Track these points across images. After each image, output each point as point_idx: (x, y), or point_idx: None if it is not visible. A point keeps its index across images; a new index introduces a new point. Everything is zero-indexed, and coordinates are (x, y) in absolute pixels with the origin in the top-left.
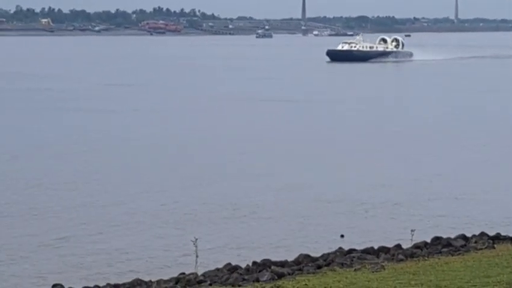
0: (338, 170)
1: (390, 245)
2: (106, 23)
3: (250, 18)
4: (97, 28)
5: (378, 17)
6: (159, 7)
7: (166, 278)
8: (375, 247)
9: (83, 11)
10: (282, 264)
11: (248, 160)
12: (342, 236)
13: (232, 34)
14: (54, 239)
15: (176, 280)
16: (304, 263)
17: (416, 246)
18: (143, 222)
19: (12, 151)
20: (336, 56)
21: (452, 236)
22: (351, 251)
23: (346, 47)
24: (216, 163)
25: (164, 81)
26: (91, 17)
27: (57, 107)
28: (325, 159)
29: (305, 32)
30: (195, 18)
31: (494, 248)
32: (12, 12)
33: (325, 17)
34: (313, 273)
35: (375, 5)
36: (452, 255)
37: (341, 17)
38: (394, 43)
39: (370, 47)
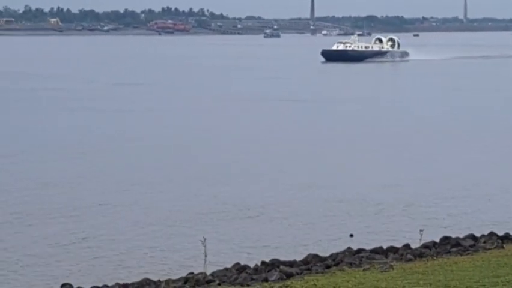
0: (346, 170)
1: (399, 244)
2: (114, 22)
3: (259, 18)
4: (105, 28)
5: (387, 16)
6: (168, 7)
7: (174, 277)
8: (384, 247)
9: (92, 11)
10: (291, 264)
11: (256, 159)
12: (351, 235)
13: (241, 34)
14: (62, 238)
15: (185, 280)
16: (313, 263)
17: (425, 246)
18: (152, 222)
19: (15, 150)
20: (330, 56)
21: (461, 236)
22: (359, 250)
23: (341, 47)
24: (224, 163)
25: (172, 80)
26: (99, 17)
27: (61, 107)
28: (333, 159)
29: (314, 32)
30: (204, 18)
31: (503, 247)
32: (21, 12)
33: (334, 16)
34: (322, 273)
35: (384, 4)
36: (461, 255)
37: (350, 17)
38: (390, 43)
39: (365, 47)
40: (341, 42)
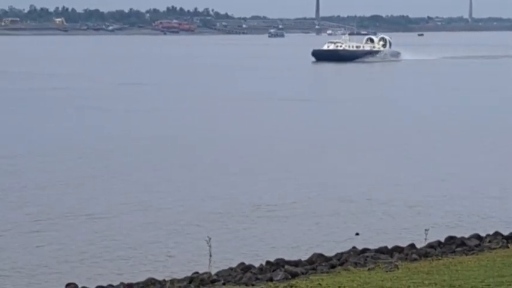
0: (351, 169)
1: (404, 244)
2: (119, 22)
3: (264, 17)
4: (110, 27)
5: (392, 16)
6: (173, 6)
7: (179, 277)
8: (389, 246)
9: (97, 11)
10: (296, 263)
11: (261, 159)
12: (357, 234)
13: (246, 33)
14: (67, 238)
15: (190, 279)
16: (318, 263)
17: (430, 246)
18: (156, 221)
19: (18, 151)
20: (321, 56)
21: (466, 236)
22: (364, 250)
23: (332, 47)
24: (228, 162)
25: (177, 80)
26: (104, 17)
27: (65, 106)
28: (338, 159)
29: (319, 32)
30: (209, 18)
31: (508, 247)
32: (26, 11)
33: (339, 16)
34: (327, 272)
35: (389, 4)
36: (466, 254)
37: (355, 16)
38: (381, 42)
39: (356, 47)
40: (331, 42)
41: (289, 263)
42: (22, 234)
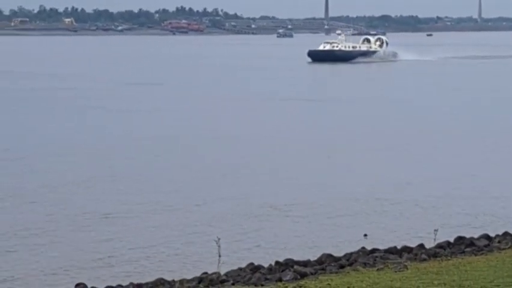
0: (360, 169)
1: (413, 244)
2: (128, 22)
3: (273, 17)
4: (119, 28)
5: (401, 16)
6: (182, 7)
7: (188, 277)
8: (398, 247)
9: (106, 11)
10: (305, 263)
11: (269, 159)
12: (365, 235)
13: (255, 34)
14: (76, 238)
15: (199, 280)
16: (327, 263)
17: (439, 246)
18: (165, 222)
19: (22, 151)
20: (317, 57)
21: (476, 236)
22: (374, 250)
23: (328, 47)
24: (236, 162)
25: (185, 80)
26: (113, 17)
27: (71, 106)
28: (346, 158)
29: (328, 32)
30: (218, 18)
31: None
32: (35, 12)
33: (348, 16)
34: (336, 272)
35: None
36: (476, 255)
37: (364, 17)
38: (378, 43)
39: (353, 47)
40: (328, 42)
41: (298, 263)
42: (32, 235)
